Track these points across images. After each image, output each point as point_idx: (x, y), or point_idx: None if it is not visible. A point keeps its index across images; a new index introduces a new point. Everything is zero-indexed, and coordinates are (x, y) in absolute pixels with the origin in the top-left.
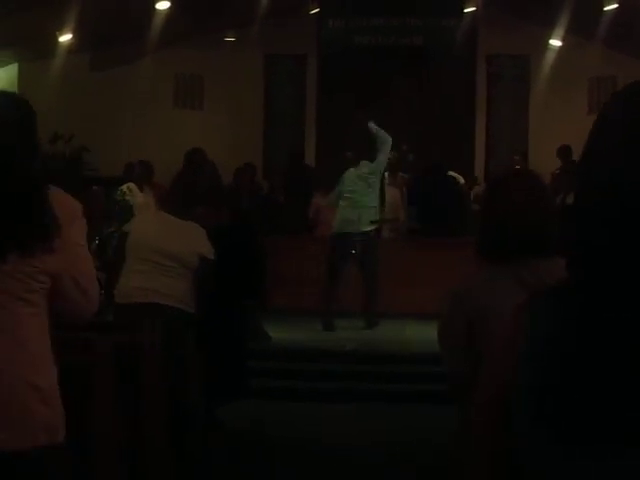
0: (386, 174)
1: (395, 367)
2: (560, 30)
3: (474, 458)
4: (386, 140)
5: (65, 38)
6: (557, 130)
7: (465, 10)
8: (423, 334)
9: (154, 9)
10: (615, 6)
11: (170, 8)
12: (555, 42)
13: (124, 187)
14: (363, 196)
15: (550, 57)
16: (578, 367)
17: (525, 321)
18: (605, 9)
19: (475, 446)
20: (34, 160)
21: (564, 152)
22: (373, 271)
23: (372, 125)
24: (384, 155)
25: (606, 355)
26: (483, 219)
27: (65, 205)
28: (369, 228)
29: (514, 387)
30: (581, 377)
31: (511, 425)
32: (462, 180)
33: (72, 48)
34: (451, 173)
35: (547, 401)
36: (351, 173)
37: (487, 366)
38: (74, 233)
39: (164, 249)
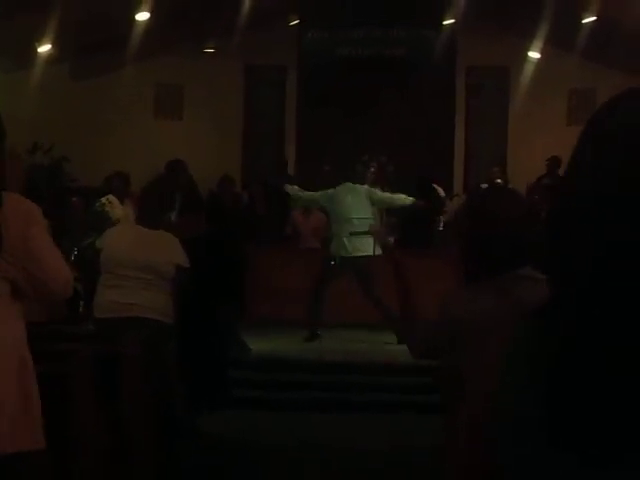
0: (366, 186)
1: (376, 378)
2: (539, 42)
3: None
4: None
5: (44, 48)
6: (536, 141)
7: (445, 22)
8: (402, 344)
9: (134, 19)
10: (593, 18)
11: (150, 18)
12: (534, 54)
13: (104, 199)
14: (351, 211)
15: (529, 68)
16: (584, 390)
17: (521, 343)
18: (583, 21)
19: (450, 460)
20: None
21: (553, 164)
22: (368, 288)
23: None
24: (383, 201)
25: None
26: (468, 236)
27: (23, 211)
28: (361, 254)
29: (512, 413)
30: (592, 400)
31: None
32: (443, 193)
33: (52, 58)
34: (433, 186)
35: (572, 425)
36: (337, 191)
37: (472, 386)
38: (35, 237)
39: (139, 262)
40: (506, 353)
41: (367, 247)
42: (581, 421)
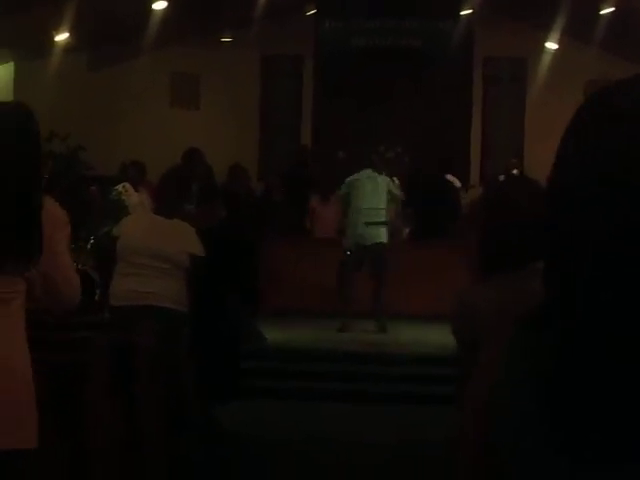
0: (386, 178)
1: (391, 368)
2: (557, 33)
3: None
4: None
5: (62, 37)
6: (553, 133)
7: (462, 12)
8: (418, 335)
9: (151, 9)
10: (611, 9)
11: (167, 8)
12: (552, 45)
13: (120, 187)
14: (368, 200)
15: (547, 60)
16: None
17: (511, 351)
18: (601, 12)
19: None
20: (37, 176)
21: None
22: (381, 277)
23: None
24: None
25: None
26: (485, 227)
27: (53, 215)
28: (378, 240)
29: (511, 413)
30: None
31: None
32: (458, 183)
33: (69, 47)
34: (448, 176)
35: (573, 419)
36: (355, 180)
37: (472, 382)
38: (59, 241)
39: (155, 251)
40: (505, 346)
41: (382, 235)
42: (583, 414)
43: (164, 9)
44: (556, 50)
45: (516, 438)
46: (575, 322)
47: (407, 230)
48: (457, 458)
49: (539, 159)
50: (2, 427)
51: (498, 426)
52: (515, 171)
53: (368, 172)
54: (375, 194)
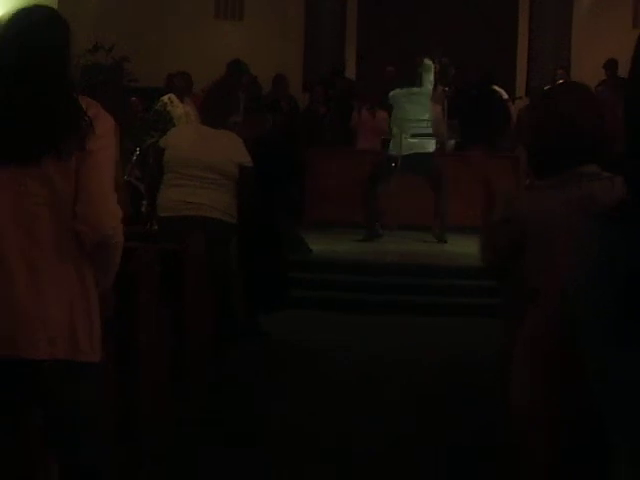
0: (427, 88)
1: (435, 280)
2: None
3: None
4: (429, 69)
5: None
6: (601, 44)
7: None
8: (464, 247)
9: None
10: None
11: None
12: None
13: (165, 98)
14: (410, 113)
15: None
16: None
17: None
18: None
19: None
20: (68, 71)
21: (610, 66)
22: (440, 186)
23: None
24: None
25: None
26: (532, 132)
27: (102, 121)
28: (423, 151)
29: (594, 303)
30: None
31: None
32: (505, 95)
33: None
34: (495, 87)
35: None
36: (398, 93)
37: (547, 279)
38: (108, 153)
39: (203, 161)
40: (580, 251)
41: (428, 146)
42: None
43: None
44: None
45: (598, 334)
46: None
47: (453, 142)
48: (528, 355)
49: (586, 70)
50: (61, 338)
51: (578, 323)
52: (561, 81)
53: (409, 89)
54: (418, 107)
